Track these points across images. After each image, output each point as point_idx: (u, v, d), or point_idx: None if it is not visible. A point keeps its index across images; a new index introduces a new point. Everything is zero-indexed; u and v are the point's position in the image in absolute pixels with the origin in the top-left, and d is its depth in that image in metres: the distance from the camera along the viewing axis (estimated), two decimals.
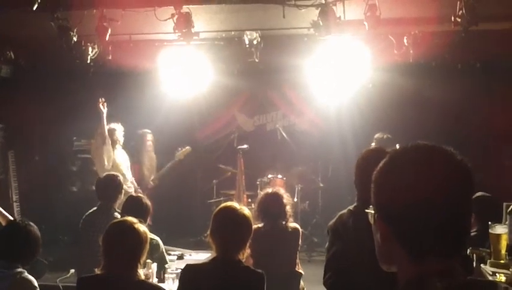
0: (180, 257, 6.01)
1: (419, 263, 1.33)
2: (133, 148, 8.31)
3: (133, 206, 5.04)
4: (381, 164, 1.42)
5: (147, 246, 3.44)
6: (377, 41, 7.21)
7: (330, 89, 7.36)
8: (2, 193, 9.09)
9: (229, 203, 3.74)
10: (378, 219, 1.40)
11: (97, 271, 3.46)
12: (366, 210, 1.47)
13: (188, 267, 3.63)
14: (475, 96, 8.75)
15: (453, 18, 5.85)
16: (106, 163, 7.36)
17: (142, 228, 3.45)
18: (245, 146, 8.86)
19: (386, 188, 1.39)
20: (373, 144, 7.45)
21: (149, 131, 8.57)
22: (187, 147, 8.91)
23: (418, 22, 6.79)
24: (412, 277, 1.34)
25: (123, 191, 5.91)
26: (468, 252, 3.97)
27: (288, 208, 5.18)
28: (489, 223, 4.05)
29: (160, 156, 8.90)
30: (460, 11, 5.73)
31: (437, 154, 1.37)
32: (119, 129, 7.68)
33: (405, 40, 7.09)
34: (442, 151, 1.37)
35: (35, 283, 3.75)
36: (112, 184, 5.76)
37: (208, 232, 3.60)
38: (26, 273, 3.76)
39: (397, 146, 6.76)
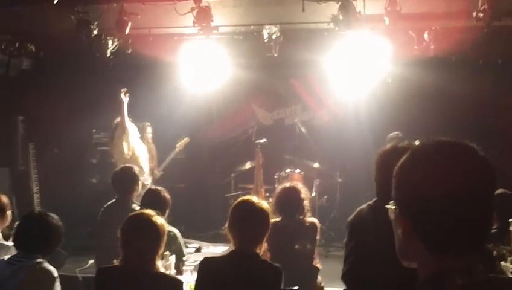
0: (198, 250, 6.05)
1: (440, 258, 1.33)
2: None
3: (152, 199, 5.06)
4: (402, 159, 1.41)
5: (165, 239, 3.46)
6: (397, 36, 7.16)
7: (349, 83, 7.32)
8: (22, 185, 9.21)
9: (247, 197, 3.75)
10: (399, 214, 1.40)
11: (115, 262, 3.50)
12: (387, 206, 1.47)
13: (206, 260, 3.65)
14: (496, 92, 8.65)
15: (475, 13, 5.79)
16: (126, 151, 7.43)
17: (159, 220, 3.47)
18: (263, 140, 8.85)
19: (407, 182, 1.38)
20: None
21: (148, 124, 8.59)
22: (186, 138, 8.95)
23: (439, 17, 6.73)
24: (432, 272, 1.33)
25: (140, 182, 5.95)
26: (488, 249, 3.94)
27: (305, 202, 5.17)
28: (510, 220, 4.02)
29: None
30: (483, 6, 5.67)
31: (459, 150, 1.36)
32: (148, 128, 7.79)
33: (425, 36, 7.03)
34: (465, 147, 1.36)
35: (55, 273, 3.76)
36: (128, 176, 5.78)
37: (226, 225, 3.61)
38: (45, 264, 3.77)
39: (416, 142, 6.75)
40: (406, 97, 8.85)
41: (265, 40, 7.39)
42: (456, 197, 1.29)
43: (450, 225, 1.31)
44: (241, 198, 3.79)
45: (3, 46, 8.08)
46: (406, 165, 1.40)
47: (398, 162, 1.44)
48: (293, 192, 5.19)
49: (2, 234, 4.88)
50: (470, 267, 1.31)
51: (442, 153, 1.36)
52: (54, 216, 3.99)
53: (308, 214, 5.22)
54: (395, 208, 1.42)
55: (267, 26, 7.29)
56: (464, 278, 1.29)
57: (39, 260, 3.77)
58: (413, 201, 1.35)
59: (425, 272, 1.36)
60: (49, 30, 7.60)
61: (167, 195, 5.20)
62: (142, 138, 8.20)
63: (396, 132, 8.06)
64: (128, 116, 7.66)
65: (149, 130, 8.57)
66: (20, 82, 8.88)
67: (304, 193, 5.23)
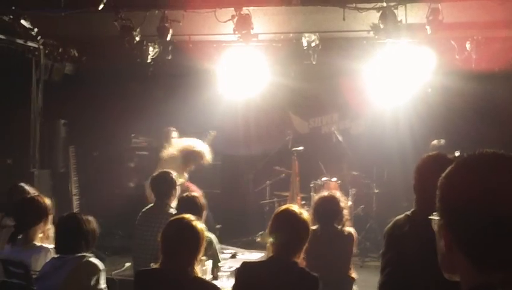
0: (233, 256, 6.05)
1: (483, 272, 1.30)
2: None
3: (188, 205, 5.09)
4: (448, 170, 1.39)
5: (204, 243, 3.50)
6: (438, 45, 7.08)
7: (387, 92, 7.27)
8: (62, 187, 9.38)
9: (289, 206, 3.80)
10: (443, 225, 1.38)
11: (154, 266, 3.53)
12: (430, 217, 1.45)
13: (245, 265, 3.68)
14: None
15: None
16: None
17: (199, 225, 3.50)
18: (300, 148, 8.82)
19: (452, 194, 1.36)
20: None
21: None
22: (211, 132, 8.84)
23: (481, 27, 6.64)
24: (475, 285, 1.31)
25: (178, 187, 6.00)
26: None
27: (345, 212, 5.15)
28: None
29: (218, 155, 9.03)
30: None
31: (507, 162, 1.34)
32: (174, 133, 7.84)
33: (467, 46, 6.94)
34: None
35: (101, 266, 3.83)
36: (166, 181, 5.83)
37: (266, 231, 3.63)
38: (92, 258, 3.85)
39: (456, 153, 6.63)
40: (446, 107, 8.70)
41: (304, 48, 7.40)
42: (502, 211, 1.27)
43: (497, 238, 1.28)
44: (284, 206, 3.83)
45: (47, 51, 8.27)
46: (451, 177, 1.38)
47: (439, 172, 1.42)
48: (332, 201, 5.16)
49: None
50: None
51: (489, 165, 1.34)
52: (87, 218, 4.03)
53: (347, 223, 5.19)
54: (439, 220, 1.40)
55: (306, 34, 7.30)
56: (505, 289, 1.27)
57: (82, 253, 3.84)
58: (457, 213, 1.33)
59: (467, 286, 1.34)
60: (91, 36, 7.75)
61: (203, 201, 5.24)
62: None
63: (438, 139, 7.94)
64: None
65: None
66: (62, 86, 9.07)
67: (343, 202, 5.21)
